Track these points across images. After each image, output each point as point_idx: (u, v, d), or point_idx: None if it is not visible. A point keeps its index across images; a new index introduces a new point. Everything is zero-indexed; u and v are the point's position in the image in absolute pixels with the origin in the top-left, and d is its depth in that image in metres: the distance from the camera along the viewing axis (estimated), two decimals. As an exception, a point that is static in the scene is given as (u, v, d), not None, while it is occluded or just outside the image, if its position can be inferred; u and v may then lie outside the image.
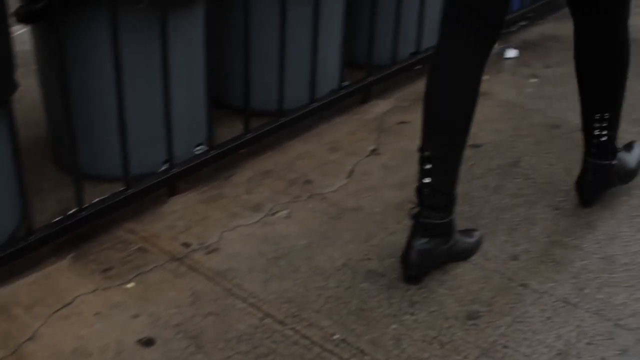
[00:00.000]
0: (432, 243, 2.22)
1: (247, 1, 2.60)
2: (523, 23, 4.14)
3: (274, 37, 2.78)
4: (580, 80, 2.45)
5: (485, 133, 3.05)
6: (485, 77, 3.51)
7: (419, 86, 3.41)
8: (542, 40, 4.00)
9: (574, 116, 3.19)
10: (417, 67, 3.49)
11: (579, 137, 2.89)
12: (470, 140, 2.96)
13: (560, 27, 4.15)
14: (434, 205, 2.20)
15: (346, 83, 3.15)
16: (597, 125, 2.49)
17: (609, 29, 2.34)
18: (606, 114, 2.46)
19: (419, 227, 2.20)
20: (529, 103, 3.31)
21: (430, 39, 3.51)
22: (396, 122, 3.12)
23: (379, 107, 3.24)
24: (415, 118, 3.13)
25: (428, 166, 2.18)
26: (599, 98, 2.46)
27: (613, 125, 2.50)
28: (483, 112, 3.21)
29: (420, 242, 2.20)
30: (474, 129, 3.01)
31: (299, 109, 2.96)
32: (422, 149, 2.20)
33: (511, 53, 3.81)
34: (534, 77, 3.56)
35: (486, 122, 3.13)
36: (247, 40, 2.64)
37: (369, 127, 3.08)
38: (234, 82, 2.92)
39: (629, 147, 2.72)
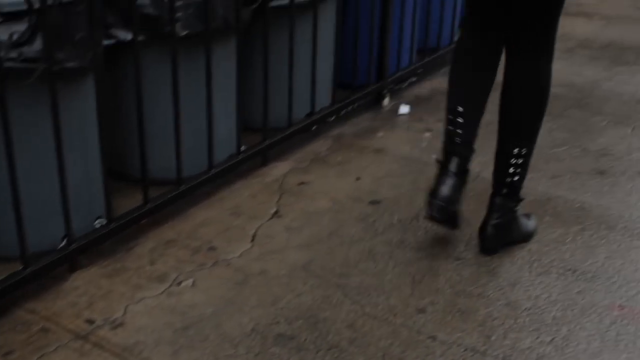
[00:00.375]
0: (454, 191, 2.52)
1: (138, 71, 2.59)
2: (413, 79, 4.25)
3: (168, 105, 2.77)
4: (501, 113, 2.59)
5: (385, 189, 3.10)
6: (379, 134, 3.61)
7: (316, 146, 3.47)
8: (433, 94, 4.11)
9: (468, 167, 3.28)
10: (313, 127, 3.53)
11: (474, 187, 2.97)
12: (370, 197, 3.03)
13: (449, 82, 4.28)
14: (464, 154, 2.56)
15: (244, 147, 3.16)
16: (512, 161, 2.59)
17: (533, 67, 2.52)
18: (523, 149, 2.57)
19: (450, 175, 2.54)
20: (425, 157, 3.38)
21: (323, 99, 3.57)
22: (296, 184, 3.13)
23: (278, 169, 3.26)
24: (315, 178, 3.18)
25: (460, 120, 2.54)
26: (517, 132, 2.58)
27: (525, 166, 2.61)
28: (381, 168, 3.28)
29: (448, 188, 2.53)
30: (372, 186, 3.06)
31: (198, 175, 2.95)
32: (453, 107, 2.55)
33: (404, 109, 3.89)
34: (428, 131, 3.65)
35: (385, 178, 3.18)
36: (141, 110, 2.63)
37: (270, 190, 3.09)
38: (130, 152, 2.89)
39: (527, 215, 2.79)
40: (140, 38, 2.68)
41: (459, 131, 2.56)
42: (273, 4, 3.22)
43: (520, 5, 2.45)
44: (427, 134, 3.62)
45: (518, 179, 2.62)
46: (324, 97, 3.59)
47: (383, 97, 3.96)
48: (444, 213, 2.56)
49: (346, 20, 3.76)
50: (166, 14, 2.74)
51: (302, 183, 3.14)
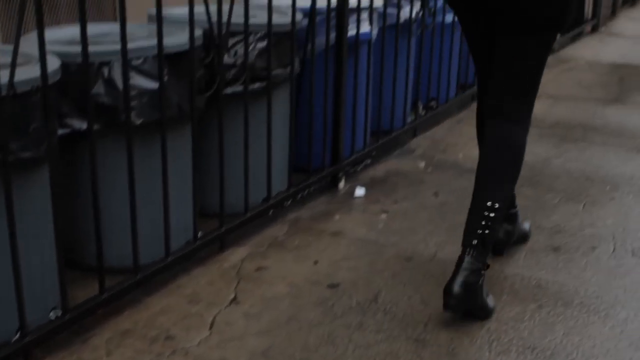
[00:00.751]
0: (509, 226, 3.08)
1: (93, 159, 2.59)
2: (368, 161, 4.30)
3: (124, 193, 2.77)
4: (479, 169, 2.76)
5: (342, 272, 3.10)
6: (336, 217, 3.63)
7: (273, 231, 3.47)
8: (388, 176, 4.15)
9: (425, 248, 3.30)
10: (270, 212, 3.54)
11: (431, 267, 2.98)
12: (328, 280, 3.03)
13: (404, 163, 4.34)
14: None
15: (201, 234, 3.16)
16: (486, 213, 2.67)
17: (511, 125, 2.74)
18: (496, 204, 2.67)
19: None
20: (382, 238, 3.40)
21: (279, 183, 3.60)
22: (254, 269, 3.12)
23: (235, 255, 3.25)
24: (273, 263, 3.17)
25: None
26: (492, 187, 2.73)
27: (497, 220, 2.70)
28: (338, 251, 3.28)
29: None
30: (330, 269, 3.07)
31: (155, 263, 2.93)
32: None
33: (359, 191, 3.93)
34: (384, 213, 3.68)
35: (342, 261, 3.19)
36: (96, 198, 2.62)
37: (228, 276, 3.07)
38: (86, 241, 2.87)
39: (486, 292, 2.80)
40: (96, 127, 2.69)
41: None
42: (227, 91, 3.26)
43: (499, 74, 2.72)
44: (383, 216, 3.65)
45: (489, 233, 2.67)
46: (280, 182, 3.62)
47: (339, 180, 4.00)
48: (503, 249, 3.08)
49: (300, 105, 3.81)
50: (121, 103, 2.76)
51: (260, 268, 3.13)
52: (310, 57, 3.65)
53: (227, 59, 3.26)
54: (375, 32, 4.14)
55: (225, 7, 3.08)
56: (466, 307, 2.69)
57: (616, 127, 4.94)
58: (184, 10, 2.97)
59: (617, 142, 4.69)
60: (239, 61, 3.30)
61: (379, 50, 4.20)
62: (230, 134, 3.25)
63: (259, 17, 3.44)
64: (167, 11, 3.04)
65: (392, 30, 4.30)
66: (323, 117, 3.80)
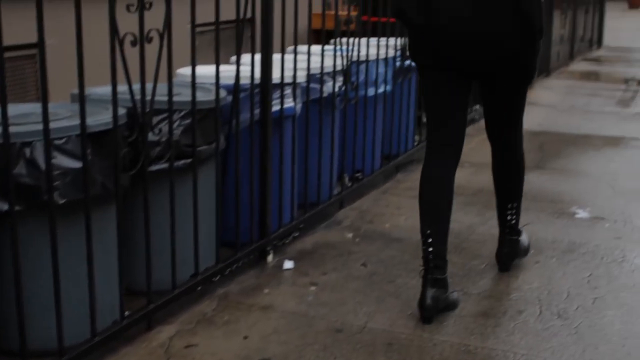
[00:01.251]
0: (438, 292, 3.29)
1: (15, 241, 2.55)
2: (296, 234, 4.31)
3: (48, 273, 2.72)
4: (496, 184, 3.77)
5: (273, 346, 3.08)
6: (265, 291, 3.62)
7: (202, 307, 3.44)
8: (316, 248, 4.17)
9: (354, 318, 3.31)
10: (198, 288, 3.51)
11: (362, 337, 2.99)
12: (259, 355, 3.00)
13: (331, 235, 4.36)
14: (437, 265, 3.29)
15: (128, 312, 3.11)
16: (509, 212, 3.79)
17: (511, 151, 3.69)
18: (515, 203, 3.79)
19: (429, 281, 3.27)
20: (312, 311, 3.40)
21: (207, 259, 3.58)
22: (183, 346, 3.08)
23: (164, 332, 3.20)
24: (202, 340, 3.13)
25: (430, 240, 3.29)
26: (509, 194, 3.78)
27: (518, 213, 3.82)
28: (268, 325, 3.27)
29: (432, 291, 3.26)
30: (260, 344, 3.05)
31: (81, 344, 2.87)
32: (424, 230, 3.33)
33: (288, 264, 3.93)
34: (313, 285, 3.68)
35: (272, 335, 3.17)
36: (19, 280, 2.57)
37: (156, 355, 3.02)
38: (8, 324, 2.80)
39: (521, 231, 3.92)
40: (18, 208, 2.65)
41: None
42: (152, 168, 3.26)
43: (502, 114, 3.61)
44: (313, 288, 3.65)
45: (515, 222, 3.82)
46: (207, 257, 3.59)
47: (267, 254, 3.99)
48: (431, 318, 3.28)
49: (226, 180, 3.83)
50: (43, 183, 2.74)
51: (189, 346, 3.09)
52: (235, 133, 3.68)
53: (151, 136, 3.27)
54: (299, 106, 4.20)
55: (149, 86, 3.09)
56: (512, 261, 3.87)
57: (537, 193, 5.06)
58: (107, 89, 2.98)
59: (538, 207, 4.81)
60: (164, 138, 3.31)
61: (303, 124, 4.25)
62: (157, 211, 3.24)
63: (182, 95, 3.46)
64: (90, 90, 3.05)
65: (315, 104, 4.36)
66: (250, 192, 3.81)
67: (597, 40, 14.19)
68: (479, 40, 3.22)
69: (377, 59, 5.10)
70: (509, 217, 3.79)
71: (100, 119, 2.97)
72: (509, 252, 3.84)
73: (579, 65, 11.94)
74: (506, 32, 3.23)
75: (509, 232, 3.81)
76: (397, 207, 4.81)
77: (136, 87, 3.04)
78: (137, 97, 3.07)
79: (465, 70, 3.34)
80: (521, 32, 3.25)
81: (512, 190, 3.76)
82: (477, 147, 6.41)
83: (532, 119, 7.48)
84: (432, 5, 3.22)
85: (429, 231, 3.29)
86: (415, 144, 5.96)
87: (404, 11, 3.31)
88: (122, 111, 3.03)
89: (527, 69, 3.39)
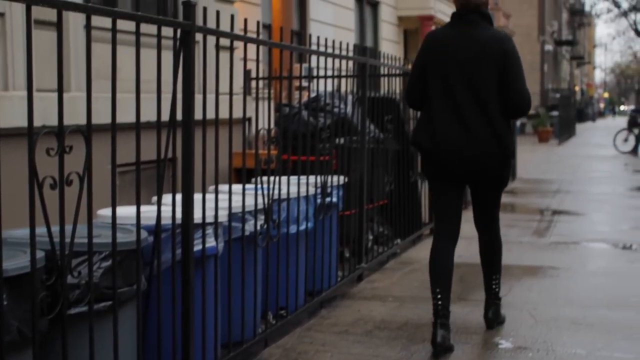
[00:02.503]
0: (445, 333, 4.51)
1: None
2: None
3: None
4: (483, 260, 5.05)
5: None
6: None
7: None
8: None
9: None
10: None
11: None
12: None
13: None
14: (444, 314, 4.55)
15: None
16: (493, 282, 5.03)
17: (491, 235, 5.00)
18: (497, 275, 5.06)
19: (439, 325, 4.50)
20: None
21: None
22: None
23: None
24: None
25: (439, 295, 4.57)
26: (492, 267, 5.03)
27: (499, 283, 5.07)
28: None
29: (441, 332, 4.49)
30: None
31: None
32: (433, 288, 4.61)
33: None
34: None
35: None
36: None
37: None
38: None
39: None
40: None
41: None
42: (71, 311, 3.19)
43: (484, 209, 4.98)
44: None
45: (498, 290, 5.07)
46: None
47: (191, 397, 3.90)
48: (443, 351, 4.49)
49: (148, 322, 3.76)
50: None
51: None
52: (157, 274, 3.65)
53: (70, 279, 3.21)
54: (221, 245, 4.21)
55: (69, 227, 3.07)
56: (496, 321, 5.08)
57: (461, 324, 5.09)
58: (25, 232, 2.95)
59: (462, 339, 4.83)
60: (83, 281, 3.26)
61: (226, 263, 4.24)
62: (76, 356, 3.16)
63: (103, 237, 3.44)
64: (7, 233, 3.01)
65: (238, 243, 4.37)
66: (172, 334, 3.75)
67: (512, 173, 14.66)
68: (469, 160, 4.62)
69: (298, 197, 5.17)
70: (493, 286, 5.03)
71: (17, 262, 2.92)
72: (494, 312, 5.03)
73: (495, 198, 12.24)
74: (487, 152, 4.60)
75: (493, 298, 5.05)
76: (322, 344, 4.78)
77: (55, 229, 3.02)
78: (56, 239, 3.03)
79: (459, 180, 4.75)
80: (497, 152, 4.60)
81: (495, 264, 5.03)
82: (398, 282, 6.48)
83: (453, 251, 7.61)
84: (437, 137, 4.61)
85: (438, 289, 4.57)
86: (339, 279, 5.98)
87: (419, 142, 4.72)
88: (40, 254, 2.99)
89: (502, 178, 4.78)
